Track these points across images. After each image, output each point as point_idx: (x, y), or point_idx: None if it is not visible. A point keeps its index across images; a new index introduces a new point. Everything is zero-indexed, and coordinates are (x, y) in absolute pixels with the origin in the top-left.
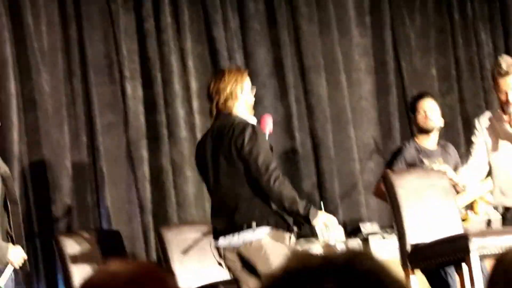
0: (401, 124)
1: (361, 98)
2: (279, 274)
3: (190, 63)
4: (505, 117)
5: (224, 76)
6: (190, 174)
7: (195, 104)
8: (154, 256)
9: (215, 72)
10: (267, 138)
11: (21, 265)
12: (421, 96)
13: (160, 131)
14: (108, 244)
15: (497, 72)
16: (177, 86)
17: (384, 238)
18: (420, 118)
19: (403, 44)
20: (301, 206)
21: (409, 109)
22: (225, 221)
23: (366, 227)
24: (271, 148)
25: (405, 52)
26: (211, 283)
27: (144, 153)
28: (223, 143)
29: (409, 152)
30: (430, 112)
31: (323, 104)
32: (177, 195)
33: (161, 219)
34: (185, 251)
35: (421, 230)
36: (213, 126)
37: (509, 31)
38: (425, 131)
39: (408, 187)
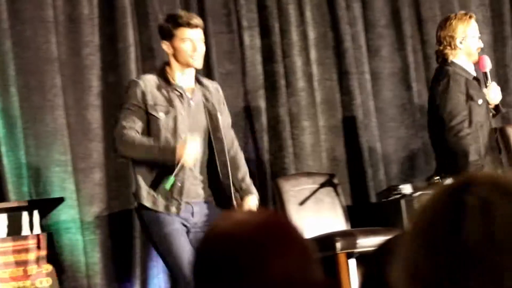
0: None
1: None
2: None
3: (308, 13)
4: None
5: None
6: (307, 124)
7: (313, 54)
8: (271, 206)
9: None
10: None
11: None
12: None
13: (277, 81)
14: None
15: None
16: (294, 36)
17: None
18: None
19: None
20: None
21: None
22: None
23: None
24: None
25: None
26: (327, 234)
27: (262, 103)
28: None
29: None
30: None
31: None
32: (294, 145)
33: (278, 170)
34: (302, 202)
35: None
36: None
37: None
38: None
39: None
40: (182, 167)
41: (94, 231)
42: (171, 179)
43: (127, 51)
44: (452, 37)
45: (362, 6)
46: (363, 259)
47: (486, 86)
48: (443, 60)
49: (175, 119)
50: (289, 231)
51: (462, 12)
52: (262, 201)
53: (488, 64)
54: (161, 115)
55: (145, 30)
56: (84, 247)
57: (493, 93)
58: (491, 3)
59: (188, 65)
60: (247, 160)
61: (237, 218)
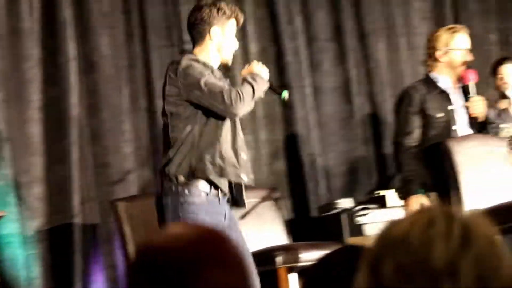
0: None
1: (420, 62)
2: None
3: (249, 27)
4: None
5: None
6: (249, 138)
7: None
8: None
9: None
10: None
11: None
12: (501, 60)
13: None
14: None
15: None
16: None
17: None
18: (498, 82)
19: (462, 8)
20: None
21: (490, 73)
22: None
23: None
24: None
25: (465, 16)
26: (268, 248)
27: None
28: None
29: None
30: (507, 77)
31: (382, 69)
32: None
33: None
34: (243, 216)
35: (479, 196)
36: None
37: None
38: (504, 96)
39: (466, 153)
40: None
41: (35, 246)
42: (276, 87)
43: (68, 65)
44: (434, 49)
45: (303, 20)
46: (304, 273)
47: (467, 100)
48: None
49: None
50: (223, 246)
51: (450, 25)
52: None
53: (471, 78)
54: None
55: (86, 44)
56: (25, 261)
57: (471, 107)
58: (435, 17)
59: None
60: None
61: (171, 232)
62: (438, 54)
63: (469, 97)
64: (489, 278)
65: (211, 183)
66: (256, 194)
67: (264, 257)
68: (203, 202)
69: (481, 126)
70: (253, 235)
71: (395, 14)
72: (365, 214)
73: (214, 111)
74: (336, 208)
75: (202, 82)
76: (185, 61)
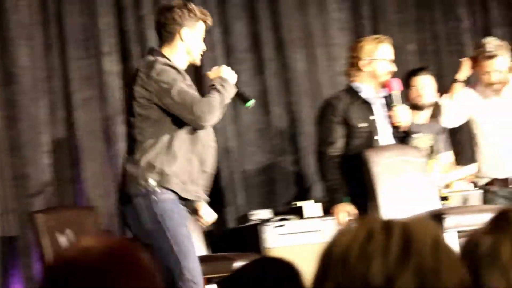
0: None
1: (338, 73)
2: None
3: None
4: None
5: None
6: None
7: None
8: (130, 232)
9: None
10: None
11: None
12: (414, 72)
13: None
14: (84, 220)
15: (482, 54)
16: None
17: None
18: (412, 93)
19: (380, 18)
20: None
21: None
22: None
23: (258, 214)
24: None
25: (383, 27)
26: None
27: (120, 129)
28: None
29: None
30: (422, 88)
31: (300, 79)
32: None
33: None
34: None
35: (397, 207)
36: None
37: (488, 6)
38: (417, 107)
39: (384, 163)
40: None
41: None
42: (242, 94)
43: None
44: (358, 59)
45: (221, 31)
46: (222, 283)
47: (390, 109)
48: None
49: None
50: (136, 258)
51: (374, 35)
52: (121, 227)
53: (396, 87)
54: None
55: (5, 55)
56: None
57: (395, 116)
58: (353, 27)
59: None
60: (106, 184)
61: (82, 245)
62: (361, 63)
63: (393, 106)
64: (430, 285)
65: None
66: None
67: None
68: (175, 198)
69: (404, 136)
70: None
71: (313, 24)
72: (282, 225)
73: (183, 119)
74: (254, 219)
75: (174, 91)
76: (158, 65)
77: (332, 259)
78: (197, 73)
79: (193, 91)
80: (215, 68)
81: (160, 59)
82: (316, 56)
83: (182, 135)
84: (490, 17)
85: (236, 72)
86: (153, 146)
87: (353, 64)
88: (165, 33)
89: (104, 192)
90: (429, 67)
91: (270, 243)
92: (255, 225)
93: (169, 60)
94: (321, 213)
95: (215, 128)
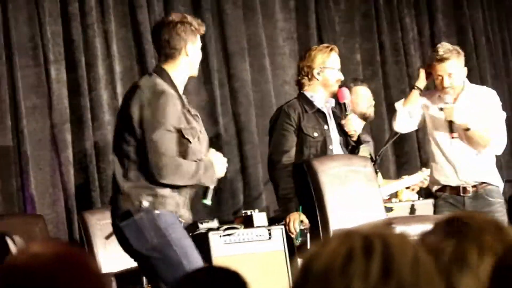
0: None
1: (285, 82)
2: None
3: (114, 47)
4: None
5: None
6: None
7: (119, 87)
8: (77, 240)
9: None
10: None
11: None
12: (351, 82)
13: (83, 114)
14: (32, 228)
15: (434, 57)
16: (101, 69)
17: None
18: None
19: (327, 29)
20: None
21: None
22: None
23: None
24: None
25: (329, 37)
26: (134, 267)
27: (68, 137)
28: None
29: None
30: (359, 99)
31: (247, 89)
32: (100, 179)
33: (85, 203)
34: (108, 236)
35: (344, 216)
36: None
37: (434, 16)
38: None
39: (331, 173)
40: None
41: None
42: (211, 191)
43: None
44: (310, 68)
45: None
46: None
47: (344, 117)
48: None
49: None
50: (84, 264)
51: (325, 44)
52: (69, 235)
53: (346, 96)
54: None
55: None
56: None
57: (349, 125)
58: (299, 37)
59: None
60: (54, 193)
61: (31, 251)
62: (314, 72)
63: (346, 114)
64: None
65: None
66: None
67: (131, 277)
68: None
69: (356, 145)
70: (119, 255)
71: (259, 34)
72: (230, 234)
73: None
74: (201, 229)
75: (154, 134)
76: (163, 98)
77: (312, 274)
78: None
79: (174, 142)
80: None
81: (169, 90)
82: (263, 65)
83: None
84: (436, 28)
85: None
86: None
87: (305, 73)
88: (169, 50)
89: (52, 201)
90: (363, 79)
91: (217, 252)
92: (203, 234)
93: (172, 79)
94: (267, 222)
95: None
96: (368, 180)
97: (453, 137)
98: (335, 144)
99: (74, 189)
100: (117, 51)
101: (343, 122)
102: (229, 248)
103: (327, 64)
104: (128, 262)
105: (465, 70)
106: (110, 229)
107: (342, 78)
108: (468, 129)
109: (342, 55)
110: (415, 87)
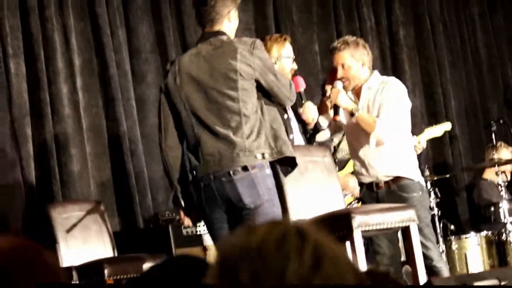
0: None
1: None
2: None
3: (73, 40)
4: (328, 92)
5: None
6: (74, 151)
7: (78, 81)
8: (39, 234)
9: None
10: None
11: None
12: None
13: (43, 108)
14: None
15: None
16: (60, 63)
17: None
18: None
19: (285, 19)
20: None
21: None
22: None
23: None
24: None
25: (287, 27)
26: (95, 260)
27: (28, 131)
28: None
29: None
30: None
31: None
32: (61, 172)
33: (46, 197)
34: (69, 229)
35: (304, 206)
36: None
37: (391, 5)
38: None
39: None
40: None
41: None
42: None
43: None
44: None
45: (126, 32)
46: (130, 284)
47: (301, 106)
48: None
49: None
50: (38, 257)
51: (277, 34)
52: (32, 229)
53: (302, 84)
54: None
55: None
56: None
57: (308, 112)
58: (257, 28)
59: None
60: (15, 188)
61: None
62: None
63: (302, 103)
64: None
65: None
66: (82, 207)
67: (92, 270)
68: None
69: (313, 132)
70: (80, 248)
71: None
72: (192, 226)
73: (275, 96)
74: (163, 220)
75: (275, 69)
76: (258, 43)
77: (248, 249)
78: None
79: None
80: None
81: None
82: None
83: (268, 109)
84: (393, 17)
85: (142, 72)
86: (256, 120)
87: None
88: (215, 15)
89: (12, 195)
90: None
91: (179, 244)
92: (164, 226)
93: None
94: None
95: (122, 129)
96: (327, 171)
97: (335, 120)
98: (296, 133)
99: (35, 183)
100: (76, 45)
101: (300, 110)
102: (190, 240)
103: (283, 54)
104: (90, 255)
105: (367, 62)
106: (71, 222)
107: (296, 67)
108: (352, 114)
109: (301, 45)
110: (323, 96)
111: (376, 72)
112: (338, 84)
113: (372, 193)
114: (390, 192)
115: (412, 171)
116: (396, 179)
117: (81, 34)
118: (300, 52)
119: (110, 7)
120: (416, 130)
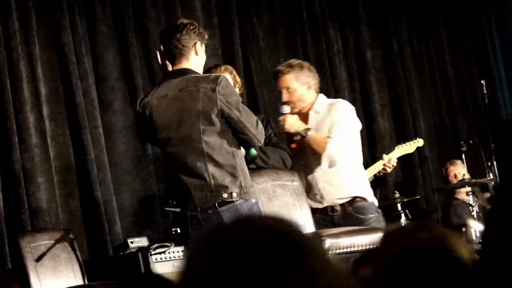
0: None
1: None
2: None
3: (39, 68)
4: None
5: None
6: (42, 180)
7: (45, 109)
8: (9, 263)
9: None
10: None
11: None
12: None
13: (10, 138)
14: None
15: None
16: (26, 92)
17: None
18: None
19: (251, 44)
20: None
21: None
22: None
23: (136, 242)
24: None
25: (254, 52)
26: None
27: None
28: None
29: None
30: None
31: None
32: (29, 201)
33: (15, 227)
34: (38, 258)
35: None
36: None
37: (358, 28)
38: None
39: (258, 188)
40: None
41: None
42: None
43: None
44: None
45: (92, 60)
46: None
47: None
48: None
49: None
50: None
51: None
52: (0, 258)
53: None
54: None
55: None
56: None
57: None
58: (223, 53)
59: None
60: None
61: None
62: None
63: None
64: None
65: None
66: (51, 235)
67: None
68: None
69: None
70: (50, 277)
71: None
72: (161, 252)
73: (241, 132)
74: (132, 247)
75: (240, 104)
76: (223, 80)
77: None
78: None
79: None
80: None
81: (220, 76)
82: None
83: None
84: (360, 40)
85: (109, 100)
86: (227, 159)
87: None
88: (181, 50)
89: None
90: None
91: (148, 271)
92: (133, 253)
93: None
94: None
95: (90, 157)
96: (296, 194)
97: (293, 147)
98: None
99: (4, 213)
100: (42, 73)
101: None
102: (160, 266)
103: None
104: (60, 284)
105: (312, 84)
106: (40, 251)
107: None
108: (303, 136)
109: (268, 69)
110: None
111: (321, 95)
112: (285, 109)
113: (326, 217)
114: (346, 214)
115: (366, 192)
116: (352, 201)
117: (47, 63)
118: (267, 76)
119: (76, 35)
120: (386, 152)
